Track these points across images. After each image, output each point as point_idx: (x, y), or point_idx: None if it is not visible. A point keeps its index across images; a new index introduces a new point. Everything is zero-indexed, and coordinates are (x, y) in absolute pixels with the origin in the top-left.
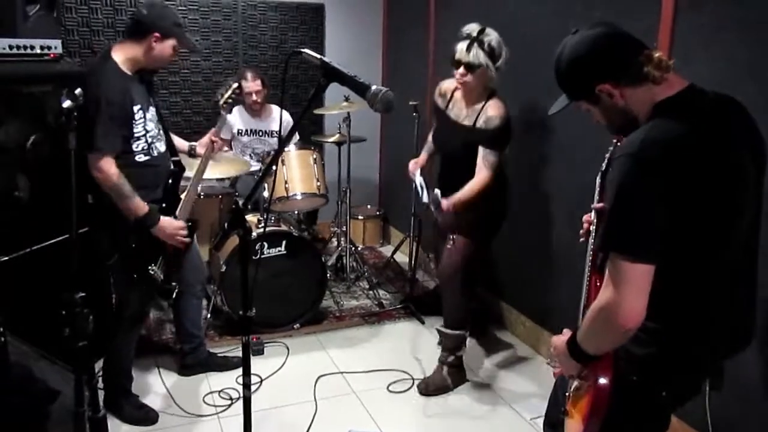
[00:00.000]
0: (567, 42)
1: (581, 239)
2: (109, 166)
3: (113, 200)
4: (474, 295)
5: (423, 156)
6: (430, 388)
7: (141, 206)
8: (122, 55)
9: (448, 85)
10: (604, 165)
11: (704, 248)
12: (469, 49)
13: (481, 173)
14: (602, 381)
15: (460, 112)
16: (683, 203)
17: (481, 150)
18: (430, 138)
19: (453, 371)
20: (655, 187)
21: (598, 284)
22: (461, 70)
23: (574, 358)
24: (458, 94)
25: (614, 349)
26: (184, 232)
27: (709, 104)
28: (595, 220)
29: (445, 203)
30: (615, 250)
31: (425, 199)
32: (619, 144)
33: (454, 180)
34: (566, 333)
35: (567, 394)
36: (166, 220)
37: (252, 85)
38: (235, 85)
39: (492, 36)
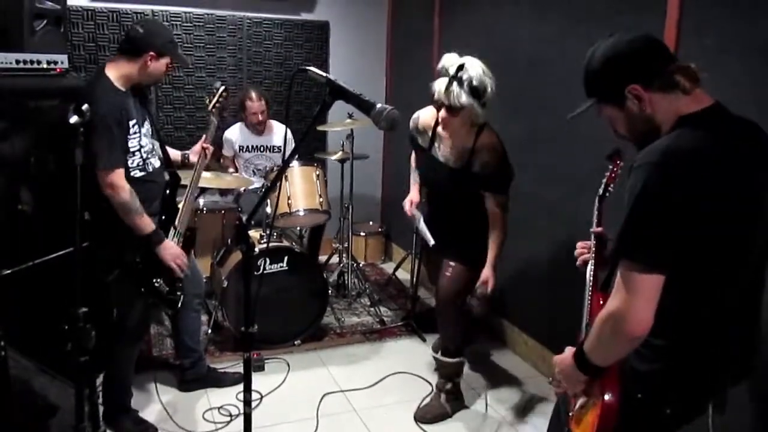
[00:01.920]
0: (601, 43)
1: (577, 264)
2: (120, 180)
3: (119, 216)
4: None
5: (414, 192)
6: (427, 417)
7: (148, 224)
8: (116, 72)
9: (425, 119)
10: (601, 189)
11: (715, 266)
12: (447, 89)
13: (500, 220)
14: (609, 398)
15: (447, 152)
16: (700, 217)
17: (490, 197)
18: (413, 168)
19: (451, 398)
20: (674, 198)
21: (601, 302)
22: (443, 112)
23: (581, 370)
24: (441, 131)
25: (620, 366)
26: (185, 261)
27: (733, 124)
28: (594, 244)
29: (490, 284)
30: (628, 257)
31: (431, 241)
32: (619, 161)
33: (445, 216)
34: (568, 350)
35: (570, 413)
36: (170, 243)
37: (257, 105)
38: (222, 88)
39: (472, 71)
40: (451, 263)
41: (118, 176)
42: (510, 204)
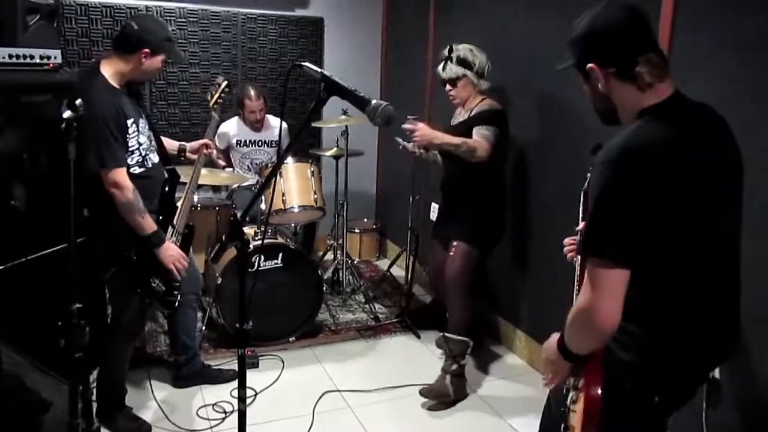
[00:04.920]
0: (593, 11)
1: (568, 258)
2: (124, 179)
3: (120, 214)
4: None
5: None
6: (432, 393)
7: (150, 224)
8: (111, 69)
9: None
10: (586, 184)
11: (682, 253)
12: (444, 67)
13: (478, 142)
14: (592, 391)
15: (458, 117)
16: (661, 210)
17: (475, 130)
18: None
19: (455, 381)
20: (632, 195)
21: None
22: (447, 87)
23: (564, 357)
24: (459, 109)
25: (604, 358)
26: (185, 263)
27: (691, 112)
28: (580, 239)
29: (419, 127)
30: (592, 254)
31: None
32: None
33: (456, 183)
34: (554, 336)
35: (563, 410)
36: (170, 244)
37: (256, 104)
38: (224, 84)
39: (460, 49)
40: (455, 243)
41: (122, 175)
42: (493, 140)
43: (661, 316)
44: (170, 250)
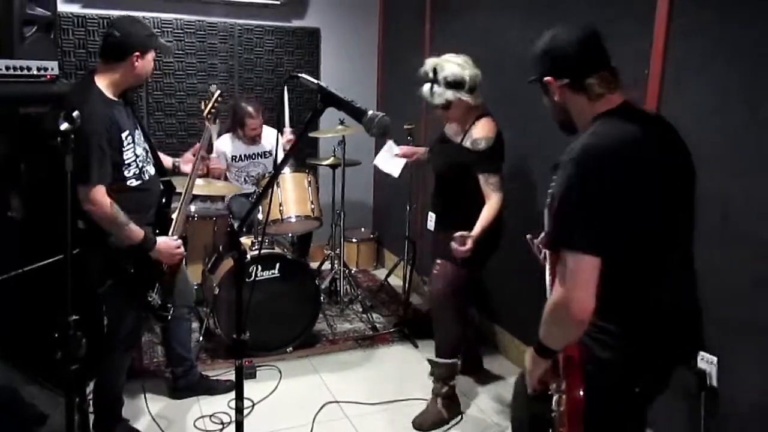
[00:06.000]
0: (552, 31)
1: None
2: (101, 197)
3: (108, 231)
4: (468, 319)
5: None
6: (425, 425)
7: (137, 232)
8: (106, 80)
9: None
10: (549, 199)
11: (645, 249)
12: (431, 92)
13: (491, 200)
14: (574, 393)
15: (451, 130)
16: (619, 202)
17: (481, 177)
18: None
19: (447, 402)
20: (593, 188)
21: None
22: (439, 111)
23: (541, 355)
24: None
25: (584, 359)
26: (181, 249)
27: (641, 117)
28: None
29: (463, 248)
30: (561, 245)
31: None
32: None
33: (443, 198)
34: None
35: (553, 414)
36: (162, 241)
37: (257, 120)
38: (217, 93)
39: (447, 68)
40: (438, 261)
41: (99, 193)
42: (502, 184)
43: (635, 313)
44: (164, 248)
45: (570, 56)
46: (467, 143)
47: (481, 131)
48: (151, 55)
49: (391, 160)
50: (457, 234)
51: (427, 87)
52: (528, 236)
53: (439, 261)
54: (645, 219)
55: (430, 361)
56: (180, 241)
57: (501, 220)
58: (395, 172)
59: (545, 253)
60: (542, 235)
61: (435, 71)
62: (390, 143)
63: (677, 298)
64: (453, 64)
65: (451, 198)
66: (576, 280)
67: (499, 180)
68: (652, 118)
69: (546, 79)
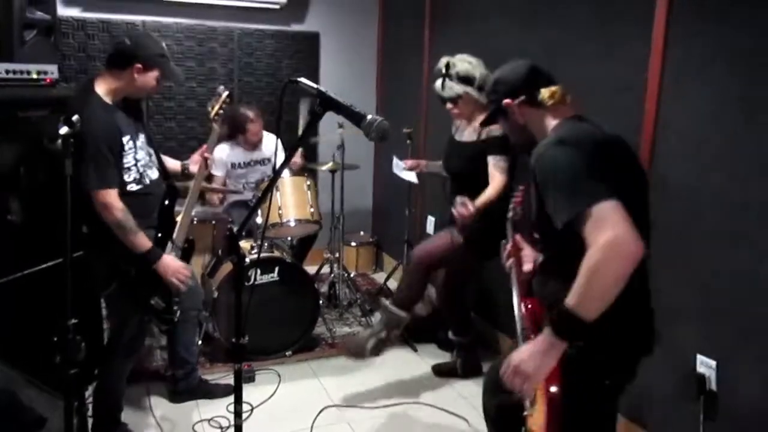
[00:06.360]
0: (500, 68)
1: (507, 264)
2: (114, 200)
3: (115, 233)
4: (469, 325)
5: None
6: (351, 347)
7: (145, 242)
8: (105, 86)
9: None
10: (510, 213)
11: None
12: (443, 86)
13: (495, 179)
14: (553, 389)
15: (463, 133)
16: (607, 170)
17: (490, 159)
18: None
19: (378, 343)
20: (580, 158)
21: (530, 307)
22: (448, 105)
23: (565, 336)
24: (462, 122)
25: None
26: (187, 273)
27: (596, 124)
28: (513, 261)
29: (468, 207)
30: (585, 205)
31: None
32: (522, 188)
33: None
34: (529, 343)
35: (525, 413)
36: (168, 259)
37: (258, 124)
38: (225, 94)
39: (459, 65)
40: (445, 231)
41: (111, 196)
42: (510, 170)
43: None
44: (169, 264)
45: (520, 76)
46: (484, 135)
47: (493, 126)
48: (153, 74)
49: (402, 172)
50: (459, 198)
51: (439, 81)
52: (503, 242)
53: (443, 231)
54: (626, 197)
55: (384, 305)
56: (184, 264)
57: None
58: (413, 178)
59: (511, 261)
60: (507, 241)
61: (448, 67)
62: (395, 161)
63: (641, 295)
64: (465, 62)
65: (472, 195)
66: (615, 221)
67: (507, 165)
68: (604, 128)
69: (505, 102)
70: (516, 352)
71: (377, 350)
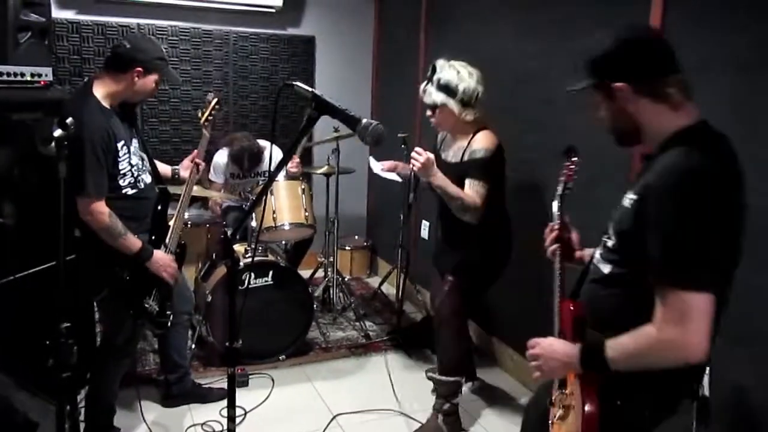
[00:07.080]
0: (612, 32)
1: (549, 253)
2: (100, 208)
3: (104, 240)
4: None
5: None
6: None
7: (135, 242)
8: (103, 90)
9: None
10: (560, 188)
11: (725, 277)
12: (424, 90)
13: (471, 198)
14: (589, 408)
15: (449, 150)
16: (727, 233)
17: (467, 182)
18: None
19: (449, 420)
20: (705, 217)
21: (571, 308)
22: (427, 111)
23: (588, 366)
24: (447, 135)
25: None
26: (175, 265)
27: (719, 141)
28: (558, 247)
29: (422, 153)
30: (677, 285)
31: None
32: (574, 157)
33: (450, 220)
34: (563, 344)
35: (550, 421)
36: (158, 254)
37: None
38: (215, 100)
39: (445, 72)
40: (449, 277)
41: (99, 205)
42: (488, 196)
43: None
44: (160, 260)
45: (647, 58)
46: (466, 157)
47: (480, 143)
48: (153, 77)
49: (381, 172)
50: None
51: (423, 84)
52: (550, 223)
53: (449, 277)
54: (734, 248)
55: (432, 378)
56: (172, 257)
57: (507, 247)
58: (396, 177)
59: (555, 247)
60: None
61: (434, 71)
62: (372, 161)
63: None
64: (453, 70)
65: (453, 220)
66: (693, 321)
67: (484, 192)
68: (725, 141)
69: (617, 85)
70: (550, 342)
71: (454, 425)
